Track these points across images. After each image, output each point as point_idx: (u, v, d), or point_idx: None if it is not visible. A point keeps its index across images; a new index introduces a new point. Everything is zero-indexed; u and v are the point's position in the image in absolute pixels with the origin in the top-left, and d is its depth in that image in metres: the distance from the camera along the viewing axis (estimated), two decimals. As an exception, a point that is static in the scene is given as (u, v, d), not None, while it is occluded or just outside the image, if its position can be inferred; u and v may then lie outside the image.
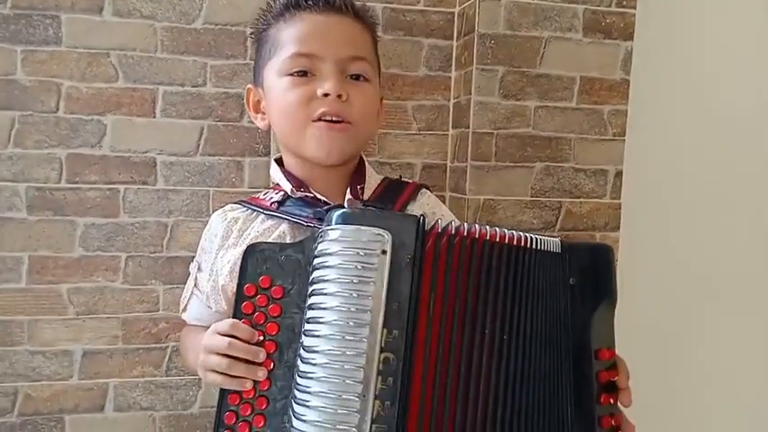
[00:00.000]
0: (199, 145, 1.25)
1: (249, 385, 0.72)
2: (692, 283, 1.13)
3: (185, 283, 0.98)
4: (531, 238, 0.74)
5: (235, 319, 0.73)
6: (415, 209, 0.92)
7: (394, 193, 0.92)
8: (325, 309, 0.68)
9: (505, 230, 0.73)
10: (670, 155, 1.20)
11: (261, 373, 0.71)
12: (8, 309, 1.19)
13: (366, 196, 0.90)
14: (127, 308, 1.24)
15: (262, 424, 0.72)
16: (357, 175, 0.92)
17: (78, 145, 1.20)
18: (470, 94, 1.25)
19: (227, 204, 0.95)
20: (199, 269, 0.94)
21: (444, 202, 1.27)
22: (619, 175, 1.33)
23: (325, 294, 0.68)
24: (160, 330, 1.26)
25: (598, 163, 1.32)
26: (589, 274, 0.76)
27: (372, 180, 0.94)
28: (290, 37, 0.87)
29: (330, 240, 0.69)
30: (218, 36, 1.23)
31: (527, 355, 0.72)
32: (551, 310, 0.74)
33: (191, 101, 1.24)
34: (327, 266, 0.69)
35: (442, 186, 1.36)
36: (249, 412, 0.72)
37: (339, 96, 0.84)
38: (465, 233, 0.71)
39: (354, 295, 0.67)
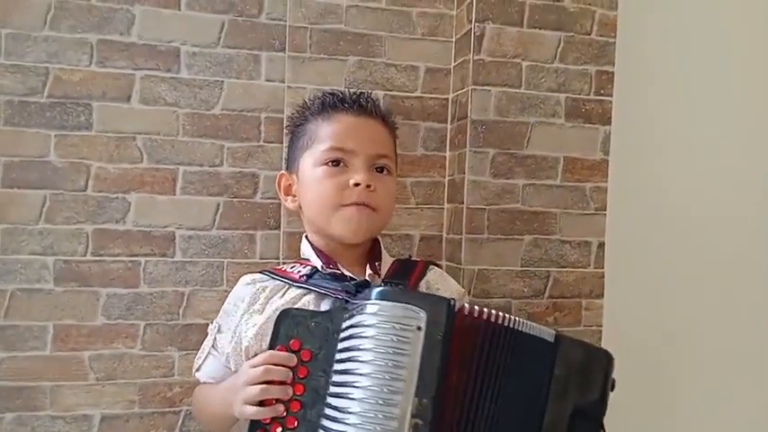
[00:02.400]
0: (215, 220, 1.35)
1: (282, 409, 0.80)
2: (675, 346, 1.22)
3: (200, 350, 1.06)
4: (525, 323, 0.82)
5: (271, 350, 0.82)
6: (429, 280, 1.05)
7: (408, 270, 1.04)
8: (360, 374, 0.76)
9: (511, 317, 0.82)
10: (648, 226, 1.31)
11: (290, 392, 0.80)
12: (33, 375, 1.26)
13: (383, 272, 1.02)
14: (144, 373, 1.31)
15: None
16: (373, 254, 1.05)
17: (104, 221, 1.29)
18: (464, 172, 1.37)
19: (256, 273, 1.05)
20: (219, 330, 1.03)
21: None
22: (601, 246, 1.44)
23: (361, 361, 0.77)
24: (174, 395, 1.32)
25: (582, 235, 1.43)
26: (577, 368, 0.81)
27: (386, 258, 1.06)
28: (328, 133, 1.02)
29: (368, 313, 0.78)
30: (234, 121, 1.35)
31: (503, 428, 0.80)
32: (530, 390, 0.81)
33: (208, 179, 1.34)
34: (363, 336, 0.77)
35: (438, 256, 1.46)
36: None
37: (368, 186, 0.98)
38: (483, 316, 0.81)
39: (390, 365, 0.75)
